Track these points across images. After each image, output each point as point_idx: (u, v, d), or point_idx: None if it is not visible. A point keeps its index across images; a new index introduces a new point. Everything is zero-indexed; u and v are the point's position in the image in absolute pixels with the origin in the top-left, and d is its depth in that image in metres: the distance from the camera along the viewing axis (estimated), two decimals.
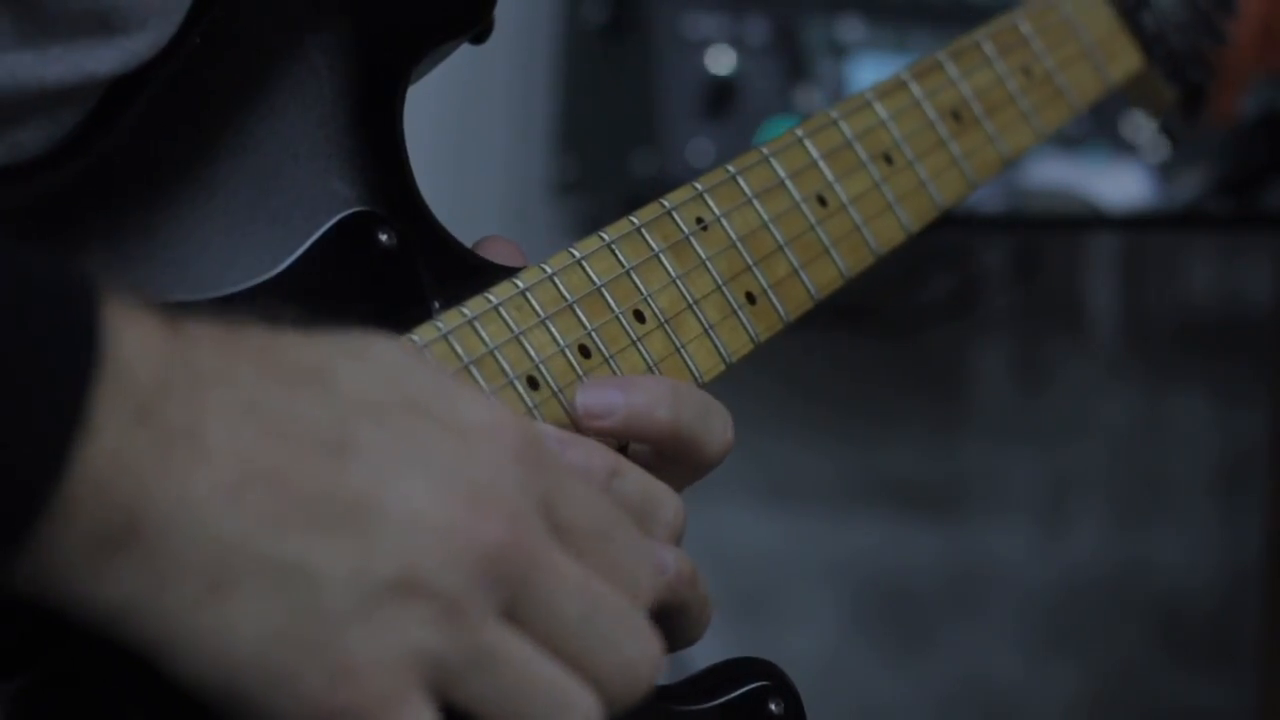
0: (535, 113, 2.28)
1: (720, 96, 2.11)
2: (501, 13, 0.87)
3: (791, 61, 2.16)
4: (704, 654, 0.85)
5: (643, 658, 0.67)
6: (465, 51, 0.89)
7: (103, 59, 0.76)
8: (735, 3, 2.16)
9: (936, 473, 2.59)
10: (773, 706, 0.82)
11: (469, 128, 2.25)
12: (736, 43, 2.14)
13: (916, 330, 2.51)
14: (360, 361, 0.65)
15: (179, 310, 0.64)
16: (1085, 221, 2.36)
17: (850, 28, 2.20)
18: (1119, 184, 2.27)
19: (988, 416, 2.63)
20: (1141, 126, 2.21)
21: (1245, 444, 2.67)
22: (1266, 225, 2.45)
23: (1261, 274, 2.70)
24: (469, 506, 0.63)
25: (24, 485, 0.58)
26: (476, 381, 0.78)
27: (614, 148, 2.17)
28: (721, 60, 2.12)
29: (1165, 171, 2.29)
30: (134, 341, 0.60)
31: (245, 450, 0.61)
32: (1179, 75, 1.14)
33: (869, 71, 2.16)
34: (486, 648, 0.64)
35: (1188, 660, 2.69)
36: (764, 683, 0.82)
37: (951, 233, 2.44)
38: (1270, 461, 2.61)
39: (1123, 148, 2.26)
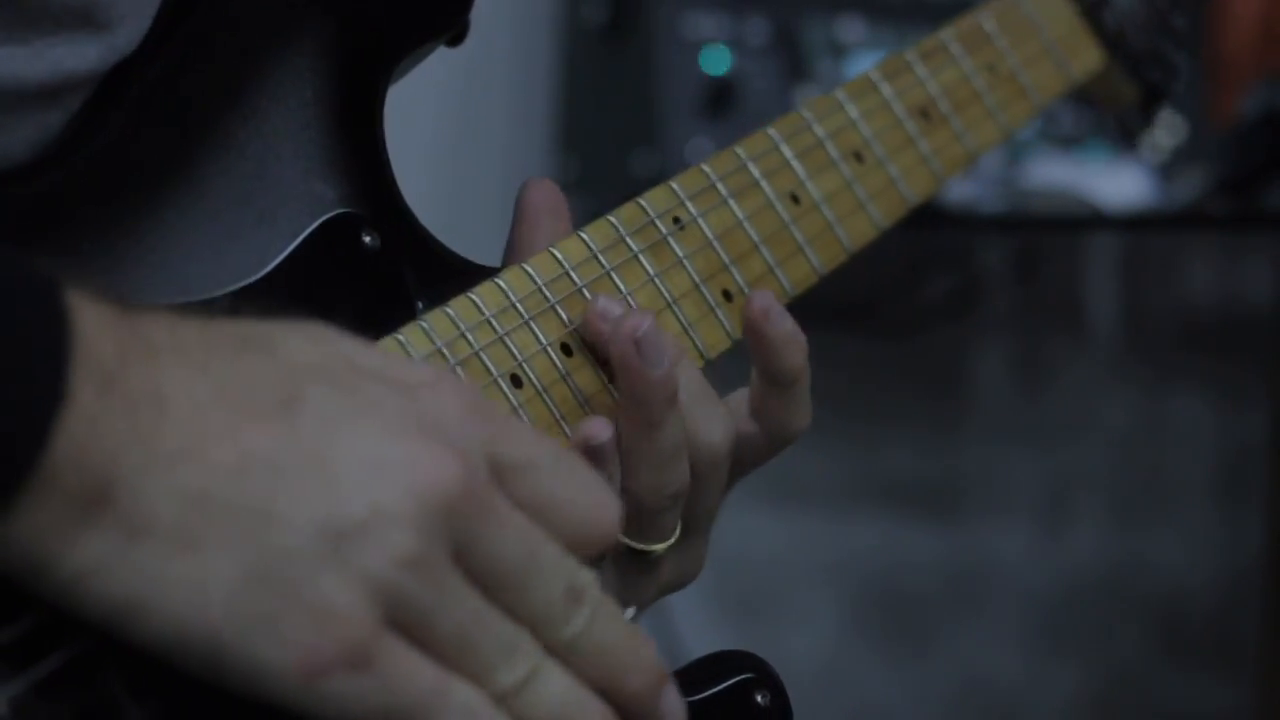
0: (535, 113, 2.28)
1: (720, 96, 2.11)
2: (501, 13, 0.87)
3: (791, 61, 2.17)
4: (702, 652, 0.85)
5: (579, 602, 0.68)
6: (466, 52, 0.90)
7: (83, 56, 0.77)
8: (735, 3, 2.16)
9: (936, 473, 2.59)
10: (759, 698, 0.82)
11: (469, 128, 2.26)
12: (736, 43, 2.14)
13: (916, 330, 2.51)
14: (301, 334, 0.68)
15: (128, 301, 0.66)
16: (1085, 221, 2.36)
17: (850, 28, 2.20)
18: (1119, 184, 2.27)
19: (988, 416, 2.63)
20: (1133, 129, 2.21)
21: (1245, 444, 2.67)
22: (1266, 225, 2.45)
23: (1261, 274, 2.70)
24: (424, 446, 0.65)
25: (10, 456, 0.60)
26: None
27: (614, 148, 2.17)
28: (721, 60, 2.12)
29: (1165, 171, 2.29)
30: (94, 320, 0.63)
31: (202, 407, 0.63)
32: (1139, 74, 1.15)
33: None
34: (446, 588, 0.65)
35: (1188, 660, 2.69)
36: (748, 675, 0.82)
37: (951, 233, 2.44)
38: (1270, 461, 2.61)
39: (1123, 148, 2.26)
